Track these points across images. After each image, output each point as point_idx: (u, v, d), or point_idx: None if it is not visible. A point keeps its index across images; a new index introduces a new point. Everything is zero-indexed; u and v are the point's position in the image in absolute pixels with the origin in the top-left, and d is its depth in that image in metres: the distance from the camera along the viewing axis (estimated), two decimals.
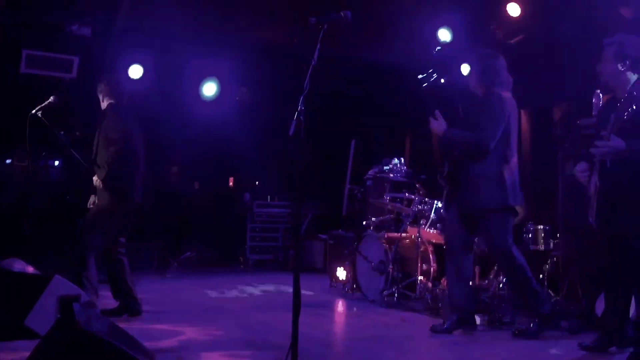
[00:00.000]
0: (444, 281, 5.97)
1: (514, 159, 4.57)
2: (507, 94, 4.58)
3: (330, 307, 6.07)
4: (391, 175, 6.59)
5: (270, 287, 7.24)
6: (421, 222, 6.09)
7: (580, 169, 3.94)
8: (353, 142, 6.67)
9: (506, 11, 6.36)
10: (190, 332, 4.45)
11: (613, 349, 3.87)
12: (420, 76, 4.61)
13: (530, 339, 4.31)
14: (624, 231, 3.69)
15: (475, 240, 4.87)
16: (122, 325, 3.27)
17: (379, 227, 6.83)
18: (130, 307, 4.98)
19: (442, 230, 5.84)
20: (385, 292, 5.98)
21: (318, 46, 3.18)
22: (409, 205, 6.41)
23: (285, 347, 2.98)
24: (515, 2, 6.29)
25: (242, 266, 9.73)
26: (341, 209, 6.83)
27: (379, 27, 7.08)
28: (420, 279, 5.94)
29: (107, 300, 5.04)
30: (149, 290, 6.06)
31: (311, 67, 3.13)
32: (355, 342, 4.48)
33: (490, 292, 5.62)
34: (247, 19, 7.16)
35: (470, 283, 4.94)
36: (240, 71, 8.38)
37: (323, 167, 9.75)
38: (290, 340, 2.92)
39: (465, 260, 4.66)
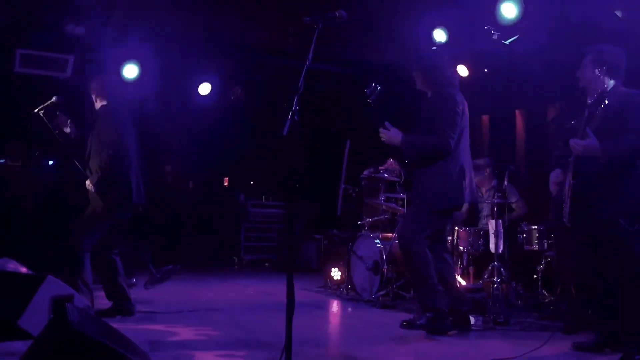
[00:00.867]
0: None
1: (467, 158, 4.56)
2: (453, 91, 4.56)
3: (325, 308, 6.06)
4: (386, 175, 6.59)
5: (264, 287, 7.22)
6: None
7: (554, 179, 4.08)
8: (348, 142, 6.66)
9: (501, 11, 6.35)
10: (184, 333, 4.44)
11: (607, 349, 3.87)
12: (366, 90, 4.55)
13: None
14: (599, 224, 3.79)
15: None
16: (116, 325, 3.25)
17: (374, 227, 6.83)
18: (123, 307, 4.96)
19: None
20: (379, 293, 5.98)
21: (313, 46, 3.18)
22: (403, 206, 6.41)
23: (280, 347, 2.97)
24: (510, 2, 6.29)
25: (236, 266, 9.73)
26: (336, 209, 6.82)
27: (374, 27, 7.08)
28: None
29: (100, 300, 5.02)
30: (143, 290, 6.03)
31: (305, 66, 3.13)
32: (350, 342, 4.48)
33: (485, 292, 5.64)
34: (241, 18, 7.15)
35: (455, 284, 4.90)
36: (235, 71, 8.37)
37: (318, 167, 9.75)
38: (285, 341, 2.91)
39: (442, 263, 4.60)
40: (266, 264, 9.90)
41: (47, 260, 5.79)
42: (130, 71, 7.54)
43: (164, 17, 6.97)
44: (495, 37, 6.58)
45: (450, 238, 5.89)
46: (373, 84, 4.53)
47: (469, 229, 6.23)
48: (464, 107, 4.55)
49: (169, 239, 9.22)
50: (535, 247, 5.79)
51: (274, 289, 7.02)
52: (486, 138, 8.15)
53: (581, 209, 3.82)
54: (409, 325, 4.54)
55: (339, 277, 6.95)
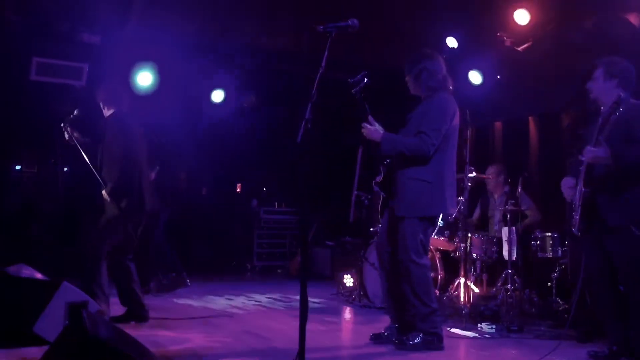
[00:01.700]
0: (452, 288, 5.96)
1: (452, 166, 4.44)
2: (446, 95, 4.45)
3: (337, 314, 6.06)
4: None
5: (277, 294, 7.23)
6: None
7: (566, 185, 4.07)
8: (360, 149, 6.66)
9: (514, 18, 6.35)
10: (197, 339, 4.45)
11: (623, 359, 3.84)
12: (350, 80, 4.40)
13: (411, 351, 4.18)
14: (609, 231, 3.80)
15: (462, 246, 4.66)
16: (130, 331, 3.28)
17: None
18: (138, 313, 5.00)
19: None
20: None
21: (326, 54, 3.19)
22: None
23: (292, 355, 2.97)
24: (524, 9, 6.29)
25: (249, 273, 9.74)
26: (348, 216, 6.82)
27: (386, 34, 7.09)
28: None
29: (114, 306, 5.05)
30: (156, 296, 6.07)
31: (319, 74, 3.14)
32: (362, 349, 4.46)
33: (499, 299, 5.60)
34: (254, 25, 7.18)
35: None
36: (249, 78, 8.41)
37: (330, 174, 9.76)
38: (297, 348, 2.92)
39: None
40: (278, 270, 9.90)
41: (63, 266, 5.83)
42: (145, 78, 7.60)
43: (177, 25, 7.02)
44: (508, 43, 6.58)
45: (463, 245, 5.87)
46: (360, 75, 4.34)
47: (482, 236, 6.19)
48: (455, 113, 4.43)
49: (182, 245, 9.25)
50: (549, 255, 5.75)
51: (287, 296, 7.03)
52: (499, 145, 8.12)
53: (591, 217, 3.83)
54: (377, 338, 4.45)
55: (351, 284, 6.94)
